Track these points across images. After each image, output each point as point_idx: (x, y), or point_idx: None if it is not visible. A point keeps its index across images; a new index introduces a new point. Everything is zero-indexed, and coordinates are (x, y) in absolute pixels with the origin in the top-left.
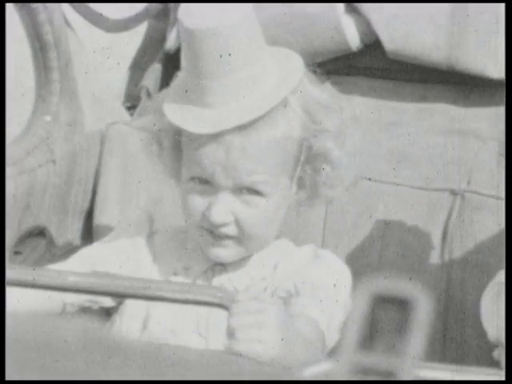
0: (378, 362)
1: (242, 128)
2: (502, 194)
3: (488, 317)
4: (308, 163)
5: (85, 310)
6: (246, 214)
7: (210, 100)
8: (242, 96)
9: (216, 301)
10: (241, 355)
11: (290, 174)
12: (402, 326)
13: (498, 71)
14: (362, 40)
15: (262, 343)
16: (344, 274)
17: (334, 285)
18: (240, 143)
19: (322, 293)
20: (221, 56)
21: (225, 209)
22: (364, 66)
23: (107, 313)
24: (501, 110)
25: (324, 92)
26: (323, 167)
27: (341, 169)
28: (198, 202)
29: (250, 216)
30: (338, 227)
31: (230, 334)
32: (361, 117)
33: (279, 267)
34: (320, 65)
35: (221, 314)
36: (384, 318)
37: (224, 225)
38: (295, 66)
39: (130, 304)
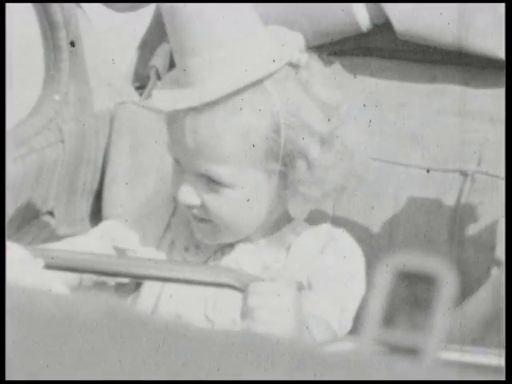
0: (402, 339)
1: (197, 111)
2: None
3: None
4: (288, 157)
5: (101, 285)
6: (213, 201)
7: (187, 79)
8: (210, 77)
9: (230, 282)
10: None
11: (263, 167)
12: (425, 303)
13: None
14: (371, 20)
15: (280, 325)
16: (358, 259)
17: (349, 274)
18: (193, 127)
19: (336, 285)
20: (201, 32)
21: (190, 191)
22: (374, 47)
23: (124, 288)
24: None
25: (324, 85)
26: (299, 164)
27: (319, 169)
28: (174, 180)
29: (218, 204)
30: (348, 208)
31: (247, 313)
32: (370, 99)
33: (292, 249)
34: (329, 45)
35: (228, 298)
36: (407, 295)
37: (192, 207)
38: (285, 50)
39: (146, 285)
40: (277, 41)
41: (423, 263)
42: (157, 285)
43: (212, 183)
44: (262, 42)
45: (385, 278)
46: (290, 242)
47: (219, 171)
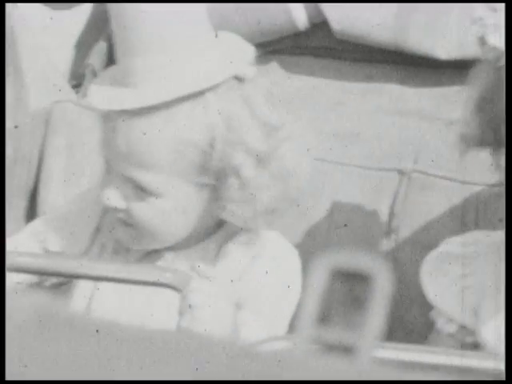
0: (337, 337)
1: (132, 114)
2: (450, 174)
3: (431, 284)
4: (221, 173)
5: (35, 286)
6: (138, 207)
7: (126, 79)
8: (150, 81)
9: (167, 281)
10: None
11: (194, 179)
12: (360, 301)
13: (446, 52)
14: (309, 19)
15: (220, 325)
16: (292, 264)
17: (282, 282)
18: (126, 130)
19: (267, 299)
20: (149, 33)
21: (115, 193)
22: (311, 46)
23: (59, 289)
24: (447, 91)
25: (267, 103)
26: (231, 182)
27: (252, 189)
28: (103, 181)
29: (142, 210)
30: None
31: (186, 311)
32: (308, 95)
33: (221, 258)
34: (267, 44)
35: (163, 301)
36: (342, 293)
37: (116, 210)
38: (232, 62)
39: (78, 284)
40: (226, 51)
41: (358, 261)
42: (89, 285)
43: (139, 189)
44: (210, 50)
45: (320, 276)
46: (219, 248)
47: (147, 179)
